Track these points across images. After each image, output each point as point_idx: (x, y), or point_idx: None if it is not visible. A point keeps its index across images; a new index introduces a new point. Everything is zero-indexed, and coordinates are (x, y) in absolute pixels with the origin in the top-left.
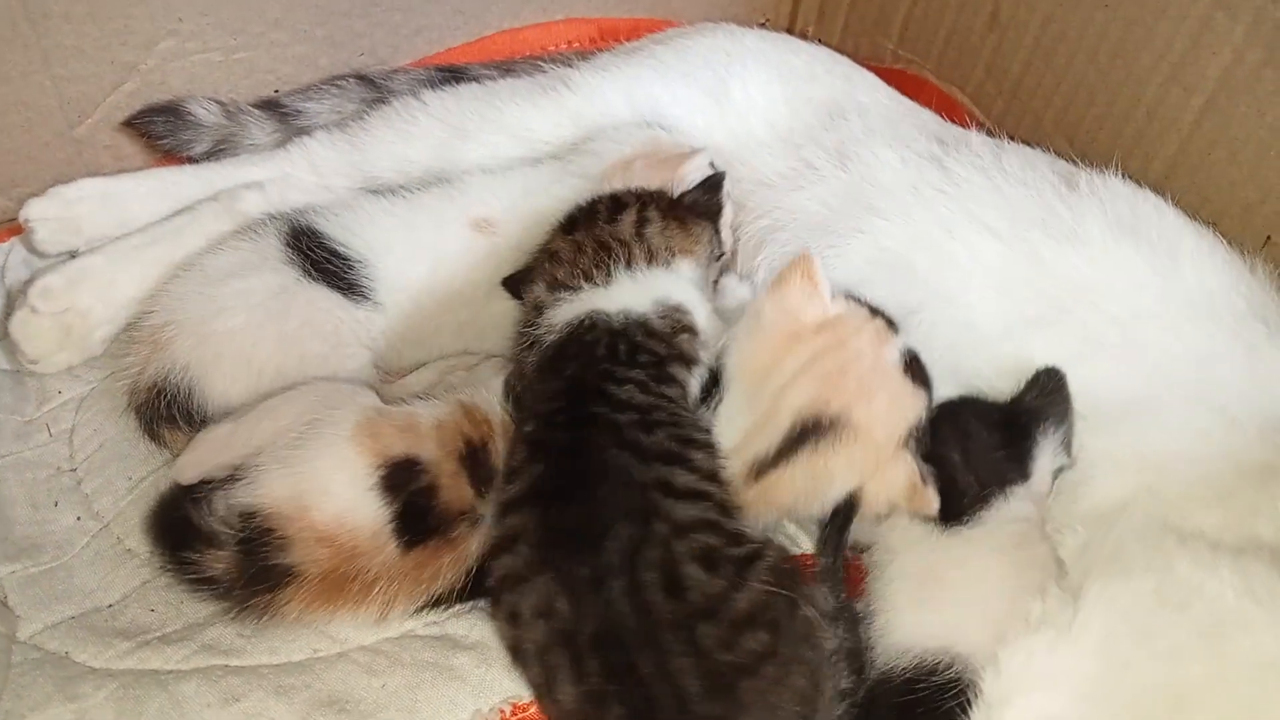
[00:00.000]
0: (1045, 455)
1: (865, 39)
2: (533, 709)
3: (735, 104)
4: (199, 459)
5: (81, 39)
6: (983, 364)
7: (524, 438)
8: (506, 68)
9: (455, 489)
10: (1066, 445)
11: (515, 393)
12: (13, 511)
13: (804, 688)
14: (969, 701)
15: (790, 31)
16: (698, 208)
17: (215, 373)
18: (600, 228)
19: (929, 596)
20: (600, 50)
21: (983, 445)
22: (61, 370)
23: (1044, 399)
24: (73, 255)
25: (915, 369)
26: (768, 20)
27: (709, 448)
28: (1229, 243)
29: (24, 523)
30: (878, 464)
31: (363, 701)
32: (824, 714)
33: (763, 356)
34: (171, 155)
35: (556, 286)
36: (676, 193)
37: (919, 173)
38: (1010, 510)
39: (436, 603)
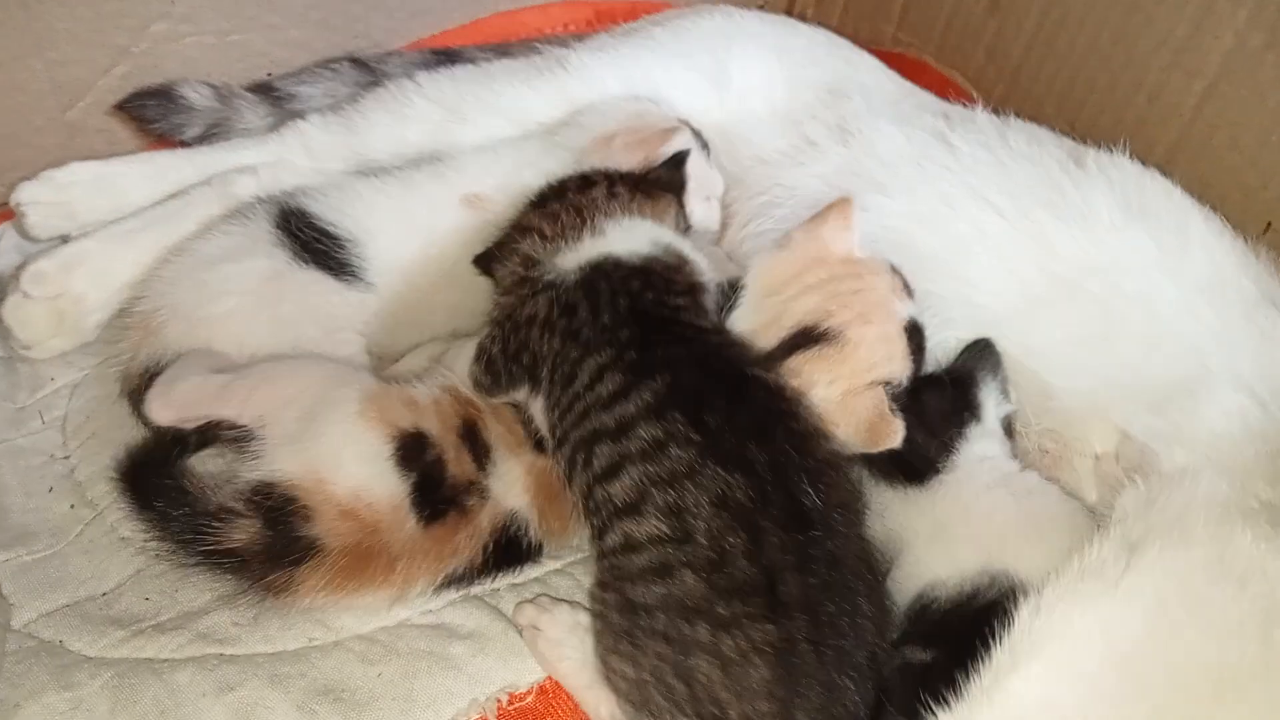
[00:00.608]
0: (990, 400)
1: (865, 22)
2: (529, 698)
3: (734, 85)
4: (181, 402)
5: (74, 22)
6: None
7: (601, 366)
8: (502, 50)
9: (460, 463)
10: (1005, 393)
11: (485, 363)
12: (6, 499)
13: None
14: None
15: (789, 14)
16: (661, 182)
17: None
18: (572, 198)
19: (943, 539)
20: (596, 32)
21: (935, 405)
22: (55, 356)
23: (976, 358)
24: (65, 240)
25: (915, 337)
26: (766, 3)
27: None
28: (1231, 228)
29: (17, 510)
30: (851, 385)
31: (358, 691)
32: None
33: (782, 272)
34: (164, 139)
35: (547, 240)
36: (653, 164)
37: (923, 148)
38: (975, 450)
39: (456, 581)
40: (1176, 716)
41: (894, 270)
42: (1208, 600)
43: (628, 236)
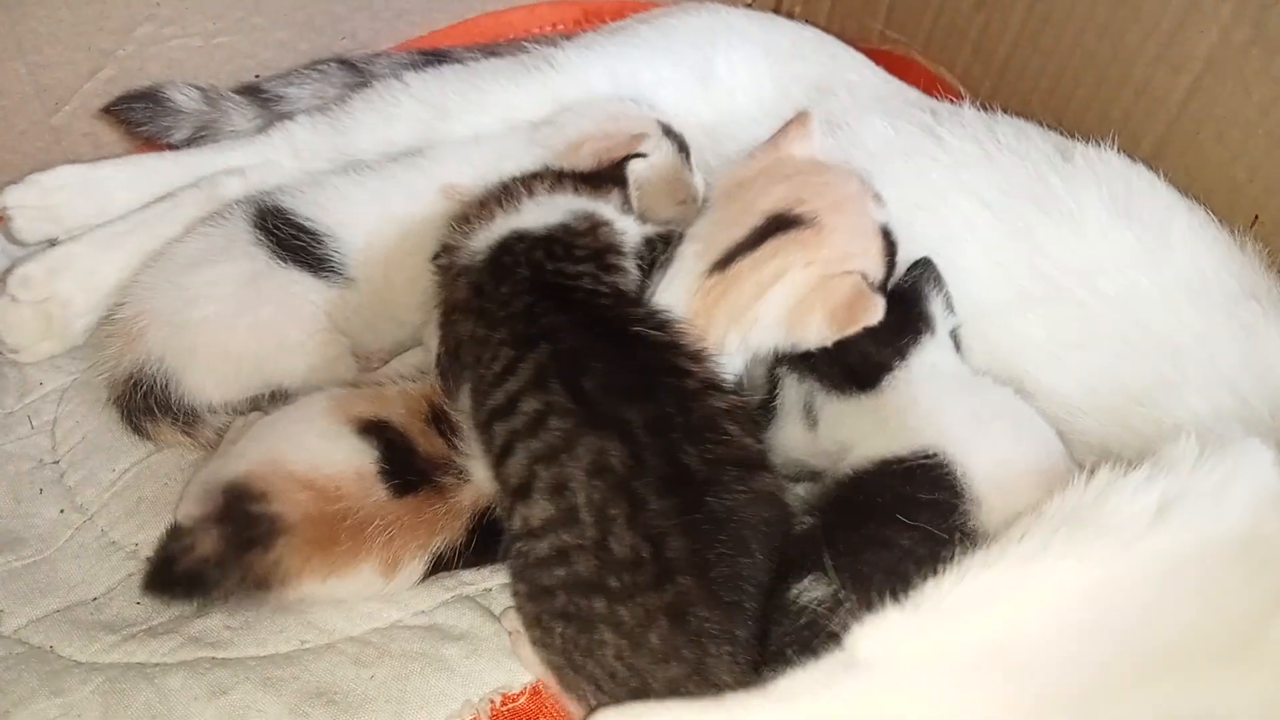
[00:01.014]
0: (938, 310)
1: (852, 19)
2: (522, 699)
3: (721, 82)
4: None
5: (57, 25)
6: (975, 340)
7: (498, 342)
8: (490, 50)
9: (428, 442)
10: (949, 305)
11: (437, 366)
12: None
13: None
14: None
15: (777, 11)
16: (605, 174)
17: (191, 363)
18: (509, 184)
19: (886, 430)
20: (585, 31)
21: (886, 323)
22: (43, 360)
23: (918, 274)
24: (52, 244)
25: (888, 242)
26: (753, 0)
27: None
28: (1218, 222)
29: (6, 516)
30: (828, 270)
31: (351, 693)
32: None
33: (745, 173)
34: (151, 142)
35: (465, 223)
36: None
37: (910, 141)
38: (929, 358)
39: (444, 564)
40: (1145, 689)
41: (864, 179)
42: (1220, 581)
43: (542, 210)
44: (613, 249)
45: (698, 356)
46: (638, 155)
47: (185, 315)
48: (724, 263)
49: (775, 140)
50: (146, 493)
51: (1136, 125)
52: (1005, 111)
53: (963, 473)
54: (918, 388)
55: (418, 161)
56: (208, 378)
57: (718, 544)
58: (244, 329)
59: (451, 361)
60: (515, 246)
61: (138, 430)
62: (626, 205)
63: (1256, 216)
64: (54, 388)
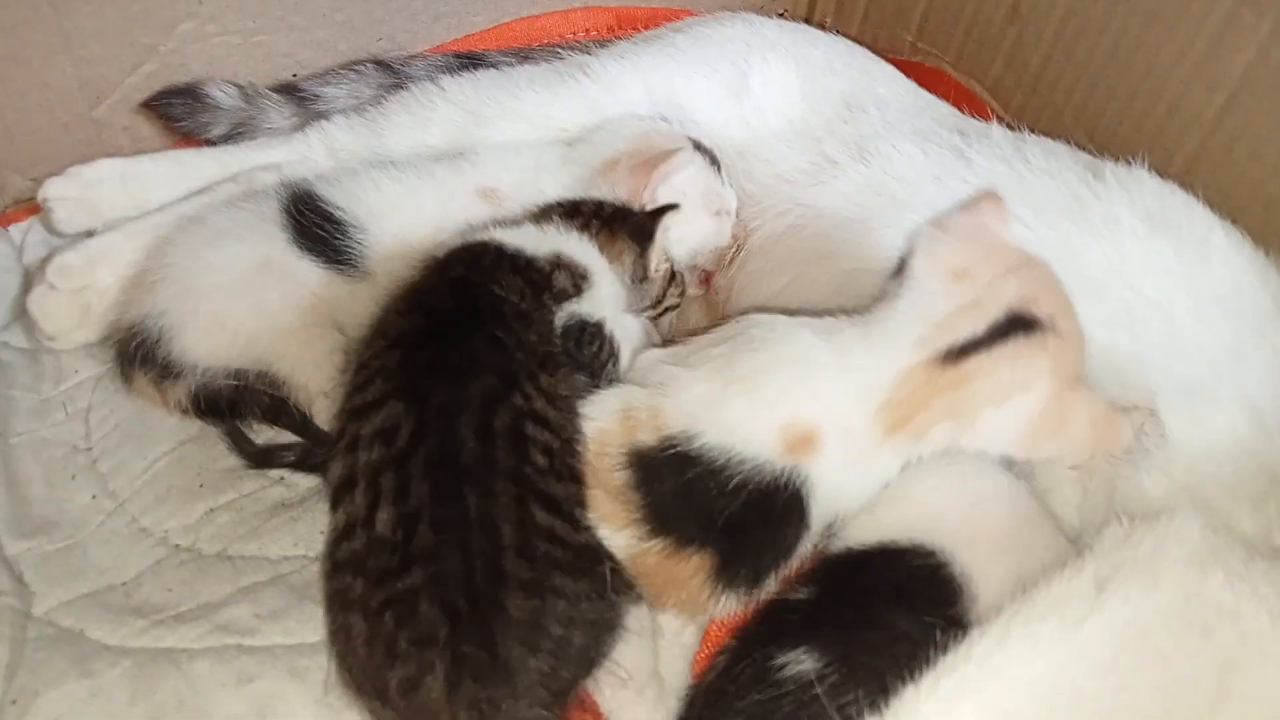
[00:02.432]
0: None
1: (884, 30)
2: None
3: (753, 97)
4: None
5: (101, 21)
6: None
7: (379, 324)
8: (524, 55)
9: None
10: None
11: None
12: (29, 489)
13: (582, 637)
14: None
15: (809, 21)
16: (630, 227)
17: (189, 325)
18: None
19: (891, 514)
20: (618, 39)
21: None
22: (79, 348)
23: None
24: (90, 235)
25: None
26: (786, 10)
27: (570, 380)
28: (1252, 240)
29: (40, 500)
30: (1073, 381)
31: None
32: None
33: (959, 255)
34: (189, 138)
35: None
36: (650, 190)
37: (941, 164)
38: None
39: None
40: None
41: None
42: (1166, 654)
43: (534, 240)
44: (554, 289)
45: (550, 396)
46: (672, 207)
47: (196, 280)
48: (958, 355)
49: (976, 211)
50: (177, 481)
51: (1170, 141)
52: (1037, 125)
53: (961, 571)
54: (923, 470)
55: (457, 163)
56: (201, 342)
57: (462, 544)
58: (245, 306)
59: None
60: (475, 248)
61: (126, 379)
62: (637, 269)
63: None
64: (89, 375)
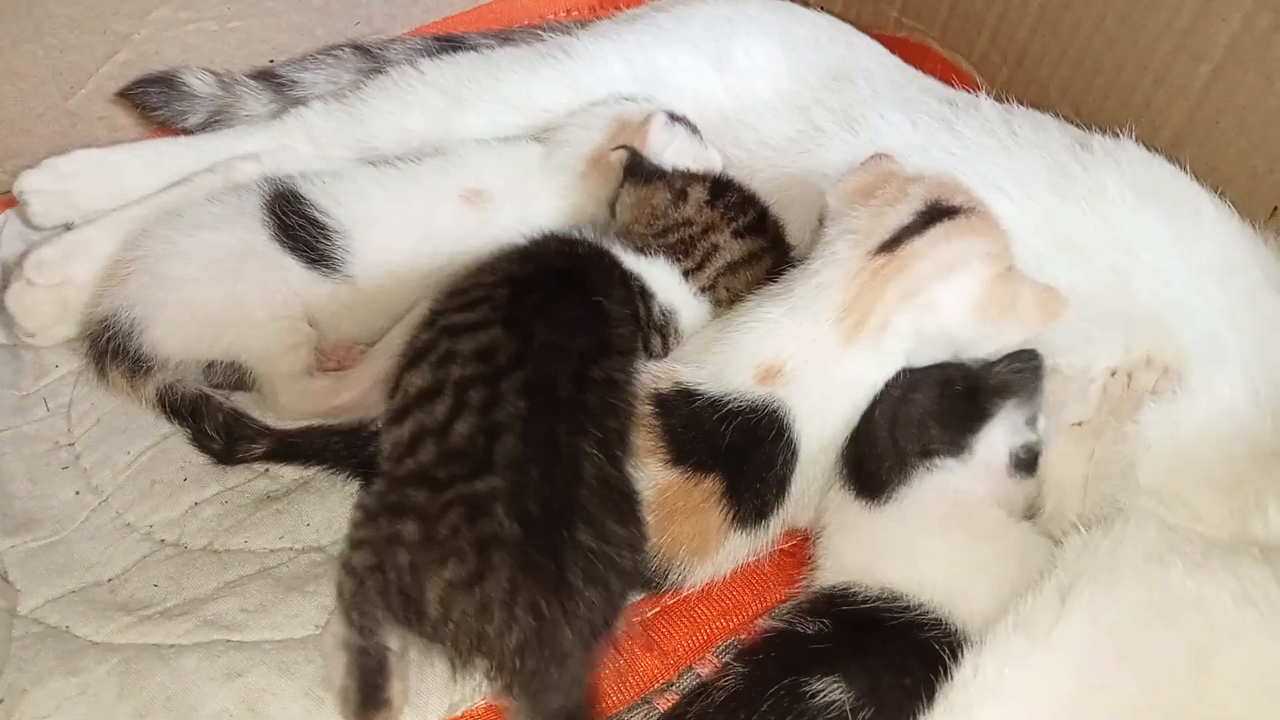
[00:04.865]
0: (998, 432)
1: (868, 6)
2: None
3: (738, 69)
4: None
5: (73, 8)
6: None
7: (488, 264)
8: (505, 36)
9: None
10: (1032, 423)
11: None
12: (12, 486)
13: (618, 583)
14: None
15: None
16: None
17: (159, 317)
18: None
19: (875, 564)
20: (599, 19)
21: (917, 412)
22: (59, 343)
23: (1015, 374)
24: (67, 228)
25: None
26: None
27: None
28: (1238, 212)
29: (23, 497)
30: (1008, 263)
31: None
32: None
33: (865, 181)
34: (166, 127)
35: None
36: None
37: (929, 135)
38: (936, 483)
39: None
40: None
41: None
42: (1138, 646)
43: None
44: (653, 336)
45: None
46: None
47: (166, 269)
48: (892, 244)
49: (871, 161)
50: (161, 475)
51: (1156, 113)
52: (1023, 99)
53: (962, 624)
54: (916, 524)
55: (443, 165)
56: (171, 334)
57: (552, 465)
58: (217, 297)
59: None
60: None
61: (100, 374)
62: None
63: (1276, 208)
64: (69, 370)
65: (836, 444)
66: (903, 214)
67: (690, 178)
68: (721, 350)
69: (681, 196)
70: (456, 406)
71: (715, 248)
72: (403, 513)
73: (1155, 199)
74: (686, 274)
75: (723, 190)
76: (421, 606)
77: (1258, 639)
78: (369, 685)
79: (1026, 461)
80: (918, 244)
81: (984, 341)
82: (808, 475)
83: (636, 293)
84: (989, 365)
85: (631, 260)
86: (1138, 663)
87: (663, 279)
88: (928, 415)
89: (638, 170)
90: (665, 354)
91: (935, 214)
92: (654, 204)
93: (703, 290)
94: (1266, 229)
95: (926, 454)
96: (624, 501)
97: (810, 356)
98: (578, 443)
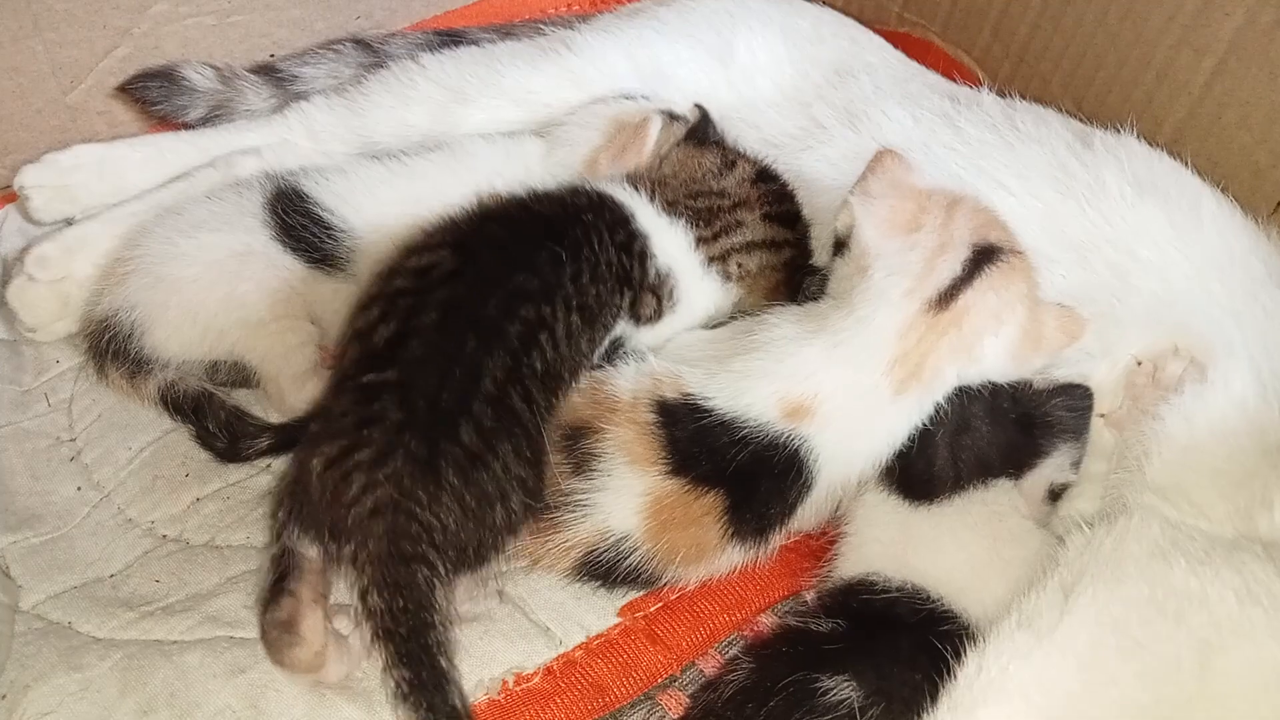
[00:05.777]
0: (1046, 469)
1: (870, 1)
2: (535, 679)
3: (740, 64)
4: None
5: (72, 3)
6: None
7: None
8: (506, 30)
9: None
10: (1075, 464)
11: None
12: (13, 482)
13: (500, 515)
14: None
15: None
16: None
17: (160, 319)
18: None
19: (905, 555)
20: (600, 13)
21: (977, 441)
22: (60, 339)
23: (1068, 413)
24: (69, 223)
25: None
26: None
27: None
28: (1240, 207)
29: (24, 493)
30: (1035, 293)
31: (368, 673)
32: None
33: (901, 211)
34: (166, 121)
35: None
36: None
37: (930, 131)
38: (979, 494)
39: None
40: None
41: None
42: (1142, 642)
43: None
44: (648, 301)
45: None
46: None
47: (167, 271)
48: (945, 300)
49: (881, 171)
50: (163, 471)
51: (1158, 108)
52: (1025, 94)
53: (977, 621)
54: (949, 525)
55: (449, 163)
56: (172, 336)
57: (449, 372)
58: (217, 298)
59: None
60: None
61: (100, 373)
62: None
63: (1279, 203)
64: (70, 366)
65: (855, 480)
66: (953, 264)
67: (742, 155)
68: (740, 369)
69: (729, 166)
70: (384, 314)
71: (739, 224)
72: (319, 414)
73: (1156, 194)
74: (699, 241)
75: (767, 177)
76: (307, 487)
77: (1261, 635)
78: (277, 580)
79: (1057, 494)
80: (969, 296)
81: (1012, 374)
82: (818, 502)
83: (636, 255)
84: (1037, 392)
85: (649, 217)
86: (1141, 659)
87: (672, 243)
88: (990, 446)
89: (699, 134)
90: (658, 318)
91: (980, 258)
92: (700, 164)
93: (711, 260)
94: (1269, 224)
95: (984, 481)
96: (528, 441)
97: (848, 402)
98: (483, 358)
